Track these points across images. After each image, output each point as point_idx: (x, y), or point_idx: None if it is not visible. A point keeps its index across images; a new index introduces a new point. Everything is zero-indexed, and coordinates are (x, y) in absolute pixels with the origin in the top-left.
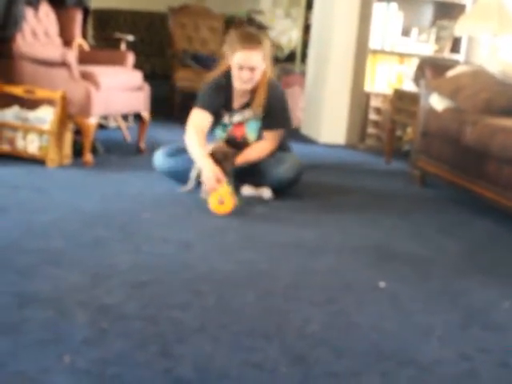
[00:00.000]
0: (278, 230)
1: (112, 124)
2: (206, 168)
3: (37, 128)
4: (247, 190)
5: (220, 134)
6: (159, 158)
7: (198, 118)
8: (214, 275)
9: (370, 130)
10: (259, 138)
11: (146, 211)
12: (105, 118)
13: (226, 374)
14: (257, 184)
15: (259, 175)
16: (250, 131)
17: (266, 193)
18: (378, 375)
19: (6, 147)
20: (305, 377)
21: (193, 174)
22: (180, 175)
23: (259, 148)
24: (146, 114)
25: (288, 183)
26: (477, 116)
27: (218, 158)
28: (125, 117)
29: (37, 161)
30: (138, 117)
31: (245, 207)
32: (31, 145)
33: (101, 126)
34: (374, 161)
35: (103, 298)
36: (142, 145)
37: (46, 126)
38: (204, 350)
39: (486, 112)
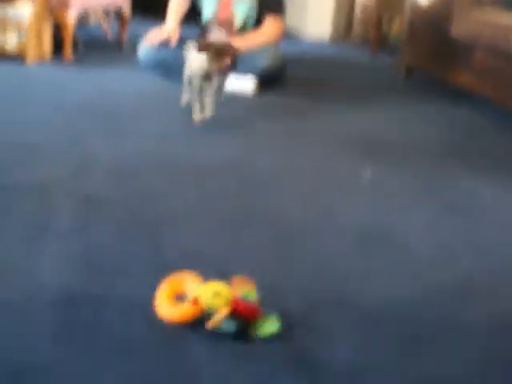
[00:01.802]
0: (263, 122)
1: (92, 20)
2: (167, 25)
3: (15, 23)
4: (232, 83)
5: (208, 11)
6: (143, 51)
7: None
8: (195, 165)
9: (356, 26)
10: (246, 26)
11: (128, 106)
12: (85, 14)
13: (214, 259)
14: (241, 72)
15: (243, 64)
16: (238, 12)
17: (250, 84)
18: (361, 256)
19: None
20: (288, 258)
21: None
22: (166, 65)
23: (264, 32)
24: (126, 10)
25: (271, 72)
26: (464, 8)
27: (216, 48)
28: (106, 13)
29: (16, 58)
30: (118, 14)
31: (229, 101)
32: (10, 41)
33: (81, 23)
34: (360, 55)
35: (88, 188)
36: (124, 41)
37: (25, 22)
38: (188, 238)
39: (474, 4)
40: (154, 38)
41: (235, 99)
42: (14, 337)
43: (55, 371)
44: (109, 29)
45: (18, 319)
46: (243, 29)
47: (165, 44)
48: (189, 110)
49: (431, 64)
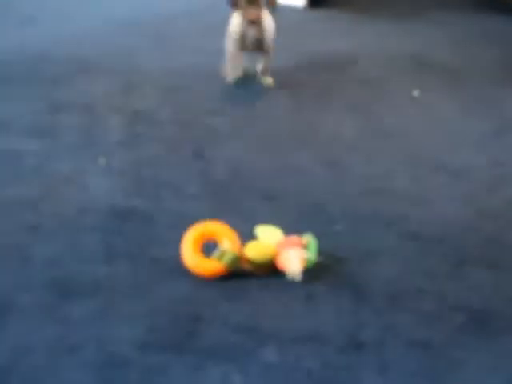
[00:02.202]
0: (313, 40)
1: None
2: None
3: None
4: None
5: None
6: None
7: None
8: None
9: None
10: None
11: (178, 21)
12: None
13: (260, 178)
14: None
15: None
16: None
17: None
18: (409, 178)
19: None
20: (336, 179)
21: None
22: None
23: None
24: None
25: None
26: None
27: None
28: None
29: None
30: None
31: (279, 15)
32: None
33: None
34: None
35: (136, 104)
36: None
37: None
38: (237, 154)
39: None
40: None
41: (285, 12)
42: (67, 248)
43: (105, 283)
44: None
45: (70, 231)
46: None
47: None
48: None
49: None
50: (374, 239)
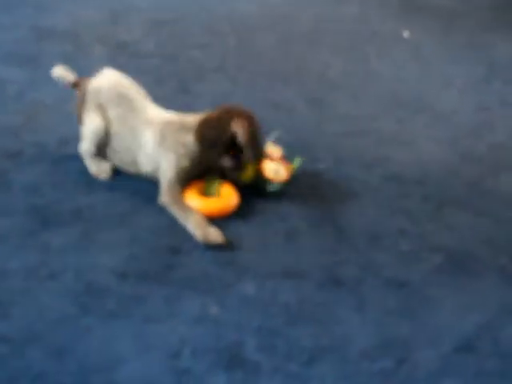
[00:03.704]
0: None
1: None
2: None
3: None
4: None
5: None
6: None
7: None
8: (234, 17)
9: None
10: None
11: None
12: None
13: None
14: None
15: None
16: None
17: None
18: (394, 120)
19: None
20: (321, 118)
21: None
22: None
23: None
24: None
25: None
26: None
27: None
28: None
29: None
30: None
31: None
32: None
33: None
34: None
35: (122, 35)
36: None
37: None
38: (222, 89)
39: None
40: None
41: None
42: (47, 176)
43: (85, 212)
44: None
45: (50, 159)
46: None
47: None
48: None
49: None
50: (356, 179)
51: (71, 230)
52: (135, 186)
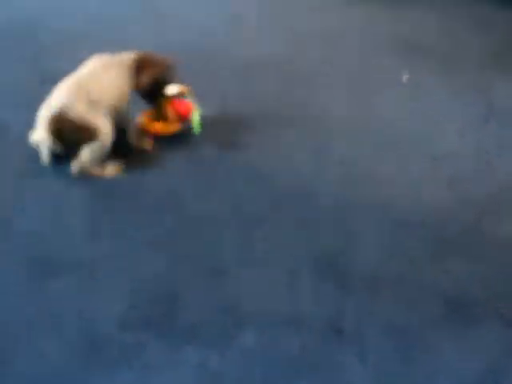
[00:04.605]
0: (301, 16)
1: None
2: None
3: None
4: None
5: None
6: None
7: None
8: (234, 61)
9: None
10: None
11: None
12: None
13: (249, 155)
14: None
15: None
16: None
17: None
18: (393, 164)
19: None
20: (321, 163)
21: None
22: None
23: None
24: None
25: None
26: None
27: None
28: None
29: None
30: None
31: None
32: None
33: None
34: None
35: None
36: None
37: None
38: (226, 135)
39: None
40: None
41: None
42: (51, 225)
43: (88, 259)
44: None
45: (55, 207)
46: None
47: None
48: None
49: None
50: (356, 222)
51: (73, 277)
52: (134, 234)
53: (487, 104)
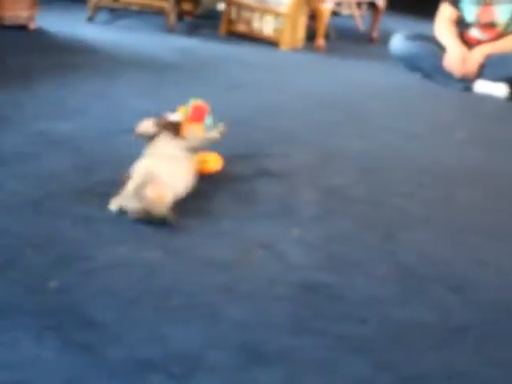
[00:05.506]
0: (509, 127)
1: (345, 11)
2: (452, 47)
3: (273, 10)
4: (481, 86)
5: (469, 13)
6: (397, 41)
7: (447, 12)
8: (438, 169)
9: None
10: (509, 27)
11: (374, 99)
12: (338, 4)
13: (450, 265)
14: (492, 78)
15: (495, 67)
16: (500, 13)
17: (501, 89)
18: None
19: (243, 27)
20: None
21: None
22: (416, 61)
23: None
24: (380, 3)
25: None
26: None
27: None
28: (358, 4)
29: (270, 42)
30: (372, 5)
31: (476, 104)
32: (266, 26)
33: (334, 13)
34: None
35: (331, 179)
36: (375, 34)
37: (283, 9)
38: (428, 241)
39: None
40: (454, 69)
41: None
42: (257, 313)
43: (290, 354)
44: (360, 20)
45: (260, 297)
46: (506, 30)
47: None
48: (434, 110)
49: None
50: None
51: (275, 370)
52: (340, 332)
53: None
